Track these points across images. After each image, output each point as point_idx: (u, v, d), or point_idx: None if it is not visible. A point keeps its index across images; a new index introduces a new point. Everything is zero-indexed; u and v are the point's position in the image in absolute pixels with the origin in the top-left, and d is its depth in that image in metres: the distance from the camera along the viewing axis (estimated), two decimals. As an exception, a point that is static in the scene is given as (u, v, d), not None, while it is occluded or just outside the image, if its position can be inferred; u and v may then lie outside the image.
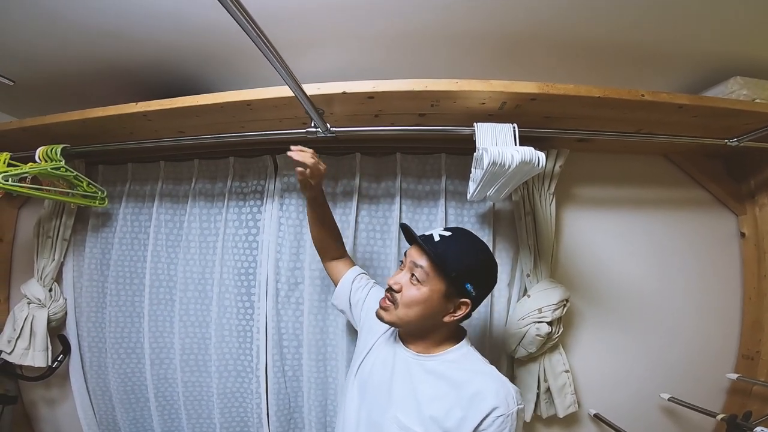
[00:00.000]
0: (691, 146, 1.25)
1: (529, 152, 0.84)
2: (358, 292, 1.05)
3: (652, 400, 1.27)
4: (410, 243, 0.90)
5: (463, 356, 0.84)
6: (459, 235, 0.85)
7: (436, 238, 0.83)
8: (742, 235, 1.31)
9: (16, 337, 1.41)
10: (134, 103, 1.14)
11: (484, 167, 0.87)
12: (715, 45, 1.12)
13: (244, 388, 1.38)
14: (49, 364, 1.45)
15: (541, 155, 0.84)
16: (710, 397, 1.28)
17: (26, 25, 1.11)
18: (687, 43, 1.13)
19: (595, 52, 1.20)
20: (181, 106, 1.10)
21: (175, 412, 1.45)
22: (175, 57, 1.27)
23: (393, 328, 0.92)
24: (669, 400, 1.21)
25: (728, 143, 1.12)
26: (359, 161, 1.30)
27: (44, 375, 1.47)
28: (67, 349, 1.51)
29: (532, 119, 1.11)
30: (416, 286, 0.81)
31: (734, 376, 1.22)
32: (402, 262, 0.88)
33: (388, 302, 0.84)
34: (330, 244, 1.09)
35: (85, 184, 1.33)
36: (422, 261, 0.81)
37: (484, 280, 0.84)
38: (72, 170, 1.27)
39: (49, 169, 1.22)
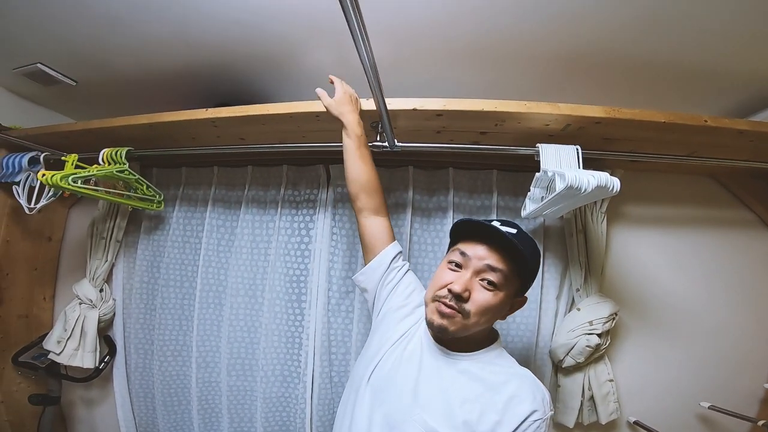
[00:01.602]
0: (739, 168, 1.28)
1: (605, 177, 0.87)
2: (393, 273, 0.92)
3: (691, 408, 1.30)
4: (464, 239, 0.80)
5: (497, 356, 0.79)
6: (522, 231, 0.80)
7: (508, 236, 0.74)
8: (784, 255, 1.34)
9: (66, 338, 1.43)
10: (204, 110, 1.17)
11: (558, 190, 0.90)
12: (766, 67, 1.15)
13: (289, 393, 1.41)
14: (97, 365, 1.47)
15: (616, 181, 0.87)
16: (746, 406, 1.31)
17: (90, 29, 1.15)
18: (737, 65, 1.16)
19: (645, 72, 1.23)
20: (252, 114, 1.12)
21: (216, 416, 1.47)
22: (239, 65, 1.31)
23: (420, 322, 0.85)
24: (709, 408, 1.24)
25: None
26: (412, 174, 1.33)
27: (91, 376, 1.49)
28: (113, 350, 1.53)
29: (590, 140, 1.14)
30: (492, 292, 0.74)
31: None
32: (455, 262, 0.77)
33: (452, 310, 0.73)
34: (375, 189, 0.94)
35: (144, 187, 1.36)
36: (502, 264, 0.74)
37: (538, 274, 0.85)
38: (134, 173, 1.31)
39: (114, 172, 1.25)
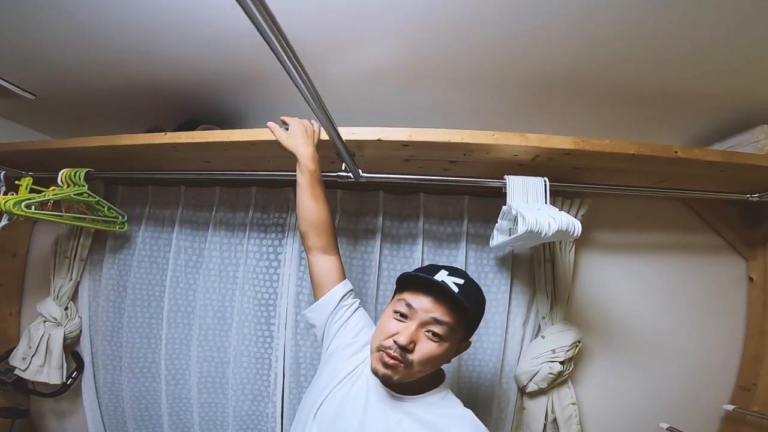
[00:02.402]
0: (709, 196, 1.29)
1: (566, 221, 0.86)
2: (342, 311, 0.91)
3: (651, 429, 1.34)
4: (410, 290, 0.79)
5: (442, 398, 0.80)
6: (469, 281, 0.79)
7: (455, 289, 0.74)
8: (750, 279, 1.37)
9: (31, 355, 1.41)
10: (163, 134, 1.13)
11: (520, 232, 0.89)
12: (744, 91, 1.14)
13: (260, 411, 1.42)
14: (64, 380, 1.46)
15: (578, 224, 0.87)
16: (707, 426, 1.36)
17: (50, 40, 1.08)
18: (714, 88, 1.14)
19: (619, 95, 1.21)
20: (212, 141, 1.09)
21: (188, 430, 1.48)
22: (207, 79, 1.25)
23: (367, 361, 0.84)
24: (668, 429, 1.28)
25: (749, 198, 1.16)
26: (382, 199, 1.31)
27: (58, 391, 1.48)
28: (80, 366, 1.52)
29: (561, 169, 1.14)
30: (437, 343, 0.74)
31: (730, 407, 1.30)
32: (401, 312, 0.77)
33: (395, 361, 0.73)
34: (326, 228, 0.93)
35: (106, 208, 1.32)
36: (448, 317, 0.74)
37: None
38: (94, 195, 1.27)
39: (72, 195, 1.21)
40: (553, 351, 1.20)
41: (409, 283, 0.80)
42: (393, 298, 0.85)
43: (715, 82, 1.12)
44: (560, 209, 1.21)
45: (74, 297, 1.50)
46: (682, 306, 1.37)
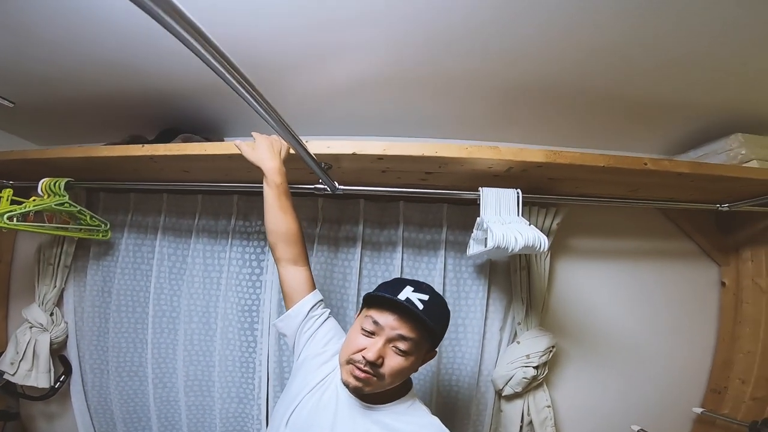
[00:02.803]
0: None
1: (533, 237, 0.88)
2: (312, 321, 0.93)
3: (625, 430, 1.38)
4: (376, 307, 0.81)
5: (409, 407, 0.83)
6: (434, 296, 0.82)
7: (420, 306, 0.78)
8: (723, 284, 1.40)
9: (19, 359, 1.43)
10: (140, 146, 1.13)
11: (489, 246, 0.91)
12: (720, 100, 1.15)
13: (246, 413, 1.45)
14: (52, 384, 1.49)
15: (544, 240, 0.89)
16: (680, 428, 1.41)
17: (25, 50, 1.07)
18: (691, 98, 1.15)
19: (599, 103, 1.22)
20: (189, 154, 1.10)
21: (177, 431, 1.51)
22: (184, 90, 1.25)
23: (336, 370, 0.87)
24: (639, 431, 1.33)
25: (719, 208, 1.18)
26: (363, 207, 1.32)
27: (47, 395, 1.51)
28: (68, 370, 1.54)
29: (535, 180, 1.15)
30: (404, 357, 0.78)
31: (699, 410, 1.35)
32: (368, 330, 0.79)
33: (366, 375, 0.76)
34: (295, 240, 0.93)
35: (88, 217, 1.33)
36: (413, 333, 0.77)
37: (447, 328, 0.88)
38: (75, 204, 1.27)
39: (53, 205, 1.21)
40: (528, 356, 1.23)
41: (375, 301, 0.82)
42: (360, 312, 0.87)
43: (692, 91, 1.13)
44: (537, 217, 1.25)
45: (59, 303, 1.51)
46: (656, 310, 1.40)
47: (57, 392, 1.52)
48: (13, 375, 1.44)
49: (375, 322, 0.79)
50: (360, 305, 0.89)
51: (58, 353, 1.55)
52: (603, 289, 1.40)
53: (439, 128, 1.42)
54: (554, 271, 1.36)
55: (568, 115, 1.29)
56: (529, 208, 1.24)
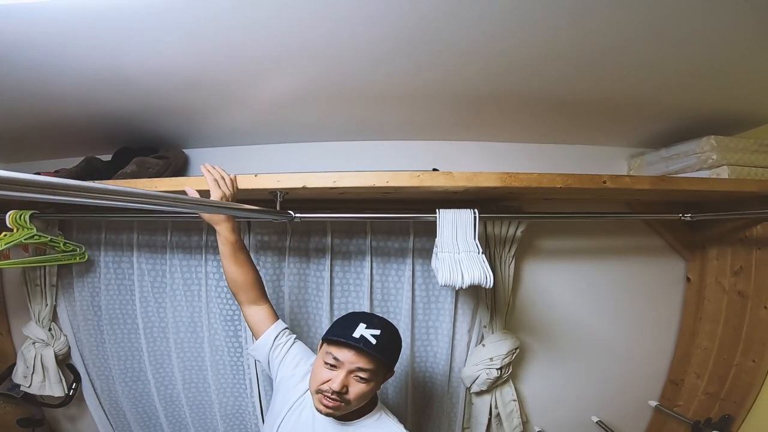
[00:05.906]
0: (650, 198, 1.30)
1: (478, 275, 0.90)
2: (278, 349, 1.04)
3: (585, 421, 1.50)
4: (335, 345, 0.90)
5: (377, 421, 0.95)
6: (385, 329, 0.92)
7: (373, 341, 0.88)
8: (688, 279, 1.42)
9: (30, 373, 1.55)
10: (91, 182, 1.13)
11: (439, 282, 0.93)
12: (692, 101, 1.12)
13: (243, 408, 1.58)
14: (66, 392, 1.62)
15: (490, 278, 0.91)
16: (640, 417, 1.51)
17: None
18: (664, 99, 1.12)
19: (572, 104, 1.17)
20: (141, 192, 1.09)
21: (185, 428, 1.66)
22: (136, 111, 1.23)
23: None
24: (597, 422, 1.44)
25: (683, 218, 1.17)
26: (330, 219, 1.32)
27: (64, 402, 1.62)
28: (78, 377, 1.67)
29: (496, 197, 1.15)
30: (365, 383, 0.88)
31: (654, 403, 1.44)
32: (330, 363, 0.89)
33: (335, 402, 0.87)
34: (253, 285, 1.04)
35: (61, 244, 1.36)
36: (371, 365, 0.88)
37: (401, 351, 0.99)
38: (45, 234, 1.30)
39: (23, 240, 1.24)
40: (491, 359, 1.30)
41: (333, 339, 0.91)
42: (321, 347, 0.96)
43: (660, 94, 1.09)
44: (501, 227, 1.25)
45: (55, 318, 1.60)
46: (621, 305, 1.44)
47: (72, 398, 1.64)
48: (29, 387, 1.56)
49: (335, 358, 0.89)
50: (322, 337, 0.97)
51: (66, 362, 1.66)
52: (568, 286, 1.43)
53: (401, 132, 1.39)
54: (520, 272, 1.39)
55: (539, 114, 1.25)
56: (493, 221, 1.24)
